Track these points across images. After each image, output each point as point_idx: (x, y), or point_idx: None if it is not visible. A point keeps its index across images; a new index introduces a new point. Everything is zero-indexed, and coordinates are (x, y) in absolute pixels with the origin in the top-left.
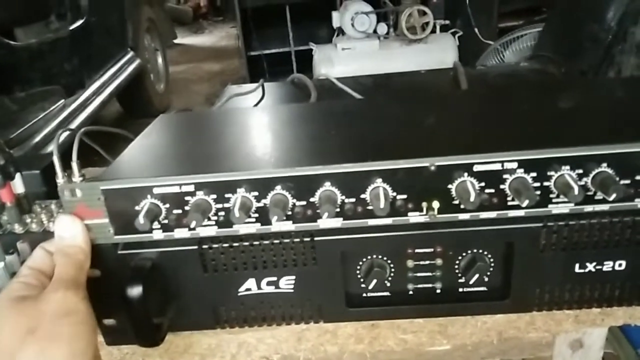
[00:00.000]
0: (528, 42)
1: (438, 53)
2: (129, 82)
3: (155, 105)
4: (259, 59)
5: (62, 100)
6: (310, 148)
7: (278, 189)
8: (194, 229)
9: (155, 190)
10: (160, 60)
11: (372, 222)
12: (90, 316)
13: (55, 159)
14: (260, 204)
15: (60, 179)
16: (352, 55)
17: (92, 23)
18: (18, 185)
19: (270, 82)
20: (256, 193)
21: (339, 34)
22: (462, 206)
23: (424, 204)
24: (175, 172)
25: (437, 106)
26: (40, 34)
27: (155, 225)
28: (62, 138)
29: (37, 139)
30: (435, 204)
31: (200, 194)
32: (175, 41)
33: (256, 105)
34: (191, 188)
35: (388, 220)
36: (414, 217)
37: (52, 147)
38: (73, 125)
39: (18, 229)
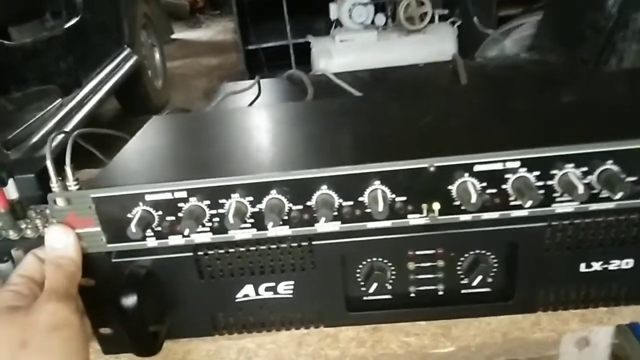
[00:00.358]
0: (528, 31)
1: (437, 43)
2: (127, 79)
3: (153, 102)
4: (257, 52)
5: (59, 100)
6: (305, 150)
7: (273, 193)
8: (188, 235)
9: (147, 197)
10: (157, 56)
11: (371, 225)
12: (82, 330)
13: (49, 163)
14: (256, 209)
15: (54, 184)
16: (351, 47)
17: (88, 20)
18: (11, 190)
19: (267, 79)
20: (251, 198)
21: (337, 26)
22: (463, 207)
23: (424, 206)
24: (168, 178)
25: (436, 103)
26: (35, 32)
27: (149, 232)
28: (56, 141)
29: (35, 139)
30: (436, 206)
31: (193, 200)
32: (172, 36)
33: (252, 103)
34: (184, 194)
35: (387, 223)
36: (414, 219)
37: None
38: (71, 125)
39: (12, 235)
